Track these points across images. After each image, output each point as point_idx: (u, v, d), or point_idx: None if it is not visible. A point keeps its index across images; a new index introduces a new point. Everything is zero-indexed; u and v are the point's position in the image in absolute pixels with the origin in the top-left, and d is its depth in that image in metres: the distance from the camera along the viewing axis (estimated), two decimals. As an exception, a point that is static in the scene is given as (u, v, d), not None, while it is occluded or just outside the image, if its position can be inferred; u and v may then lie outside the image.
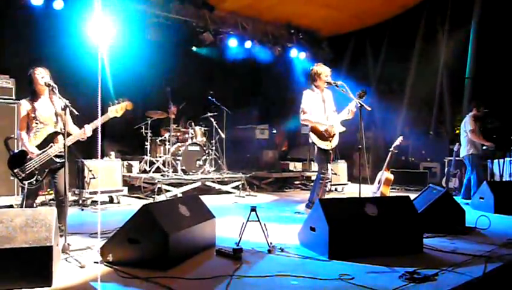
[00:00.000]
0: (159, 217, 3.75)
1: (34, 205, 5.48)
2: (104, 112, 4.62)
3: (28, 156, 4.56)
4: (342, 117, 6.28)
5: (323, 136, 6.21)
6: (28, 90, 4.74)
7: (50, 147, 4.60)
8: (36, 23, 8.34)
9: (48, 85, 4.51)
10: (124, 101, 4.81)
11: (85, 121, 4.65)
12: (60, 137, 4.63)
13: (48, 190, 7.05)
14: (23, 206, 4.57)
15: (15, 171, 4.54)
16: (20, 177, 4.54)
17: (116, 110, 4.76)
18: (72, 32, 8.34)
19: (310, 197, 6.59)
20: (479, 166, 8.31)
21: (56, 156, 4.61)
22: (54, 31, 8.41)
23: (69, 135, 4.48)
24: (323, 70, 6.34)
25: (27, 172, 4.54)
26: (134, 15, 9.39)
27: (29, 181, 4.54)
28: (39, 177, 4.57)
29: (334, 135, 6.28)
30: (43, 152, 4.57)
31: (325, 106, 6.34)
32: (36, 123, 4.63)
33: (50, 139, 4.64)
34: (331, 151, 6.32)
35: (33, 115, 4.62)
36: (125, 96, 4.89)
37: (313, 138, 6.22)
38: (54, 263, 3.29)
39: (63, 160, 4.47)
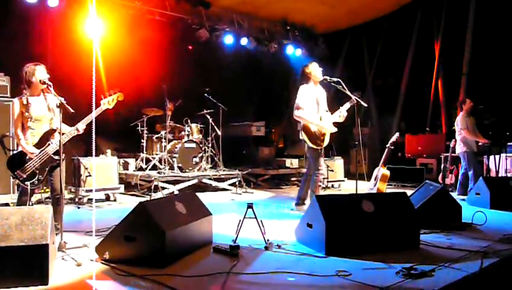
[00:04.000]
0: (156, 215, 3.74)
1: (30, 203, 5.48)
2: (97, 105, 4.62)
3: (27, 157, 4.53)
4: (334, 119, 6.36)
5: (315, 136, 6.26)
6: (21, 86, 4.67)
7: (48, 145, 4.57)
8: (31, 20, 8.30)
9: (43, 83, 4.48)
10: (115, 93, 4.83)
11: (80, 117, 4.64)
12: (56, 134, 4.62)
13: (44, 187, 7.02)
14: (17, 203, 4.57)
15: (16, 172, 4.51)
16: (21, 179, 4.50)
17: (108, 102, 4.77)
18: (67, 30, 8.29)
19: (298, 194, 6.62)
20: (476, 163, 8.31)
21: (54, 153, 4.59)
22: (49, 28, 8.37)
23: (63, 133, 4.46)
24: (315, 69, 6.41)
25: (28, 173, 4.51)
26: (129, 12, 9.36)
27: (31, 181, 4.51)
28: (40, 176, 4.54)
29: (324, 135, 6.33)
30: (42, 151, 4.55)
31: (319, 105, 6.38)
32: (31, 121, 4.57)
33: (47, 137, 4.60)
34: (320, 151, 6.35)
35: (27, 114, 4.54)
36: (120, 91, 4.89)
37: (304, 136, 6.27)
38: (50, 261, 3.28)
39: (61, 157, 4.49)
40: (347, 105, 6.31)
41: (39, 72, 4.55)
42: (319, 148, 6.28)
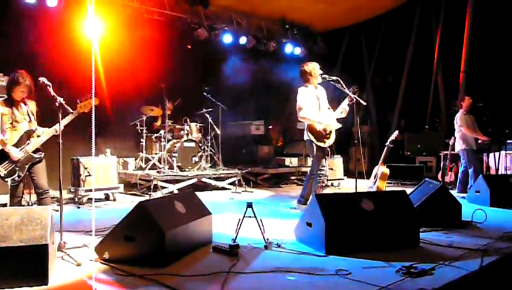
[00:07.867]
0: (155, 214, 3.74)
1: (30, 202, 5.56)
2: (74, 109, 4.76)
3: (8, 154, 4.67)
4: (336, 115, 6.33)
5: (321, 134, 6.22)
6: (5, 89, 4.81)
7: (27, 144, 4.75)
8: (30, 20, 8.28)
9: (42, 83, 4.52)
10: (90, 98, 4.88)
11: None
12: (35, 134, 4.86)
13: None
14: (10, 204, 4.74)
15: None
16: (2, 175, 4.64)
17: (84, 106, 4.86)
18: (66, 30, 8.27)
19: (302, 192, 6.61)
20: (475, 160, 8.31)
21: (33, 151, 4.78)
22: (48, 28, 8.35)
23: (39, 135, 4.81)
24: (314, 67, 6.38)
25: (8, 169, 4.65)
26: (128, 12, 9.35)
27: (11, 178, 4.66)
28: (20, 173, 4.71)
29: (330, 132, 6.31)
30: (22, 150, 4.71)
31: (320, 103, 6.36)
32: (11, 123, 4.72)
33: (26, 137, 4.78)
34: (328, 149, 6.35)
35: (8, 115, 4.70)
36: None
37: (310, 135, 6.22)
38: (50, 261, 3.27)
39: (41, 155, 4.80)
40: (347, 100, 6.29)
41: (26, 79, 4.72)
42: (326, 146, 6.28)
